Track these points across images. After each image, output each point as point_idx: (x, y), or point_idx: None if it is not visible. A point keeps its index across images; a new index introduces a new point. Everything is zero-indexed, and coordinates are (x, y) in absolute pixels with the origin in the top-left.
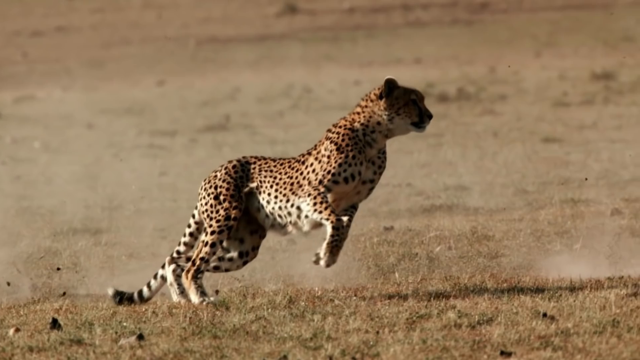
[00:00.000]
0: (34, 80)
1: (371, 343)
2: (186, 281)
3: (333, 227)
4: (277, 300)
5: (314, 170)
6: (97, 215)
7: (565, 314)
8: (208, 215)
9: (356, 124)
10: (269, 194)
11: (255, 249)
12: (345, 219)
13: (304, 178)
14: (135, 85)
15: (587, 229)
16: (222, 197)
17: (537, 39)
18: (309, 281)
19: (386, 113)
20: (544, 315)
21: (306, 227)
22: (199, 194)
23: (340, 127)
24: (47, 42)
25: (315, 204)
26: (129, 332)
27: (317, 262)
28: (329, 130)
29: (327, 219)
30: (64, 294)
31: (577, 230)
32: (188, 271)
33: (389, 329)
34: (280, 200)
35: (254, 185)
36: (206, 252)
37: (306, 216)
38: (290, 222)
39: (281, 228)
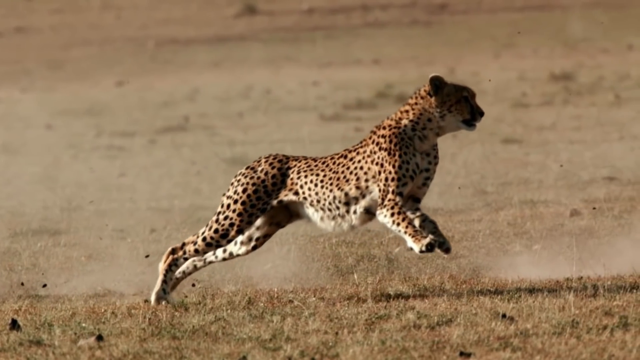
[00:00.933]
0: None
1: (330, 344)
2: (162, 265)
3: (414, 240)
4: (236, 301)
5: (361, 168)
6: (56, 216)
7: (524, 314)
8: (218, 213)
9: (404, 121)
10: (317, 193)
11: (267, 236)
12: (426, 241)
13: (350, 173)
14: (94, 86)
15: (547, 230)
16: (240, 206)
17: (496, 40)
18: (268, 282)
19: (437, 110)
20: (503, 316)
21: (355, 222)
22: (231, 182)
23: (384, 128)
24: (6, 43)
25: (392, 214)
26: (88, 333)
27: (446, 251)
28: (374, 133)
29: (405, 232)
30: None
31: (536, 231)
32: (172, 252)
33: (348, 329)
34: (328, 196)
35: (290, 197)
36: (189, 252)
37: (353, 211)
38: (339, 214)
39: (330, 220)
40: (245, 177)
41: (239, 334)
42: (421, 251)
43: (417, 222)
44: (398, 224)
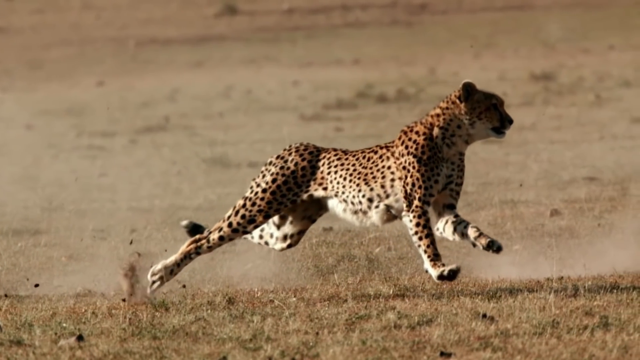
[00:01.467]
0: None
1: (311, 344)
2: (184, 247)
3: (433, 265)
4: (217, 301)
5: (389, 168)
6: (37, 216)
7: (504, 314)
8: (245, 198)
9: (435, 130)
10: (344, 186)
11: (302, 232)
12: (446, 269)
13: (378, 170)
14: (74, 86)
15: (527, 230)
16: (269, 195)
17: (476, 40)
18: (248, 282)
19: (467, 117)
20: (484, 316)
21: (375, 219)
22: (262, 170)
23: (417, 133)
24: None
25: (418, 224)
26: (69, 333)
27: (498, 250)
28: (405, 133)
29: (425, 252)
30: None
31: (516, 231)
32: (195, 241)
33: (329, 330)
34: (353, 189)
35: (320, 192)
36: (213, 240)
37: (375, 207)
38: (361, 210)
39: (352, 214)
40: (276, 166)
41: (220, 334)
42: (438, 278)
43: (459, 229)
44: (420, 238)
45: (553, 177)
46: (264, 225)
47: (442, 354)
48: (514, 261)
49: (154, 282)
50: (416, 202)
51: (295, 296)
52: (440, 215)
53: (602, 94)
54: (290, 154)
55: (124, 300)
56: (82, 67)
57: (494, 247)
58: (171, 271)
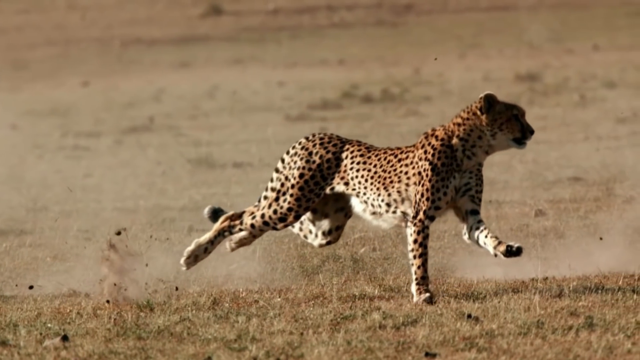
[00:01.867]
0: None
1: (295, 344)
2: (217, 224)
3: (417, 289)
4: (202, 301)
5: (406, 173)
6: (22, 217)
7: (489, 315)
8: (277, 191)
9: (455, 140)
10: (365, 187)
11: (339, 228)
12: (426, 296)
13: (395, 174)
14: (59, 87)
15: (512, 231)
16: (297, 191)
17: (461, 40)
18: (233, 282)
19: (488, 128)
20: (469, 316)
21: (391, 223)
22: (284, 159)
23: (436, 137)
24: None
25: (416, 241)
26: (54, 334)
27: (517, 252)
28: (426, 138)
29: (415, 272)
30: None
31: (501, 232)
32: (230, 219)
33: (314, 330)
34: (374, 192)
35: (341, 187)
36: (246, 225)
37: (392, 211)
38: (379, 212)
39: (370, 215)
40: (302, 159)
41: (204, 334)
42: (416, 302)
43: (481, 237)
44: (414, 257)
45: (538, 178)
46: (303, 218)
47: (427, 354)
48: (499, 261)
49: (187, 263)
50: (420, 215)
51: (280, 296)
52: (464, 220)
53: (587, 95)
54: (314, 146)
55: (107, 302)
56: (67, 67)
57: (513, 250)
58: (205, 249)
